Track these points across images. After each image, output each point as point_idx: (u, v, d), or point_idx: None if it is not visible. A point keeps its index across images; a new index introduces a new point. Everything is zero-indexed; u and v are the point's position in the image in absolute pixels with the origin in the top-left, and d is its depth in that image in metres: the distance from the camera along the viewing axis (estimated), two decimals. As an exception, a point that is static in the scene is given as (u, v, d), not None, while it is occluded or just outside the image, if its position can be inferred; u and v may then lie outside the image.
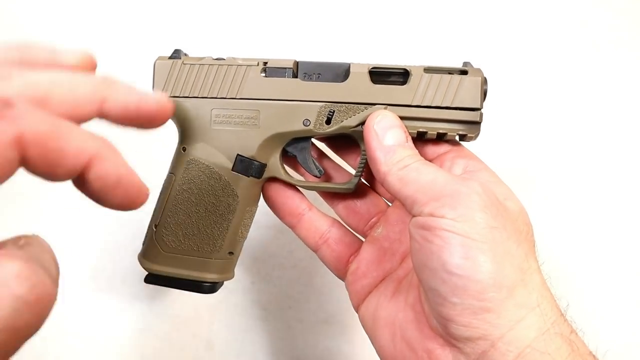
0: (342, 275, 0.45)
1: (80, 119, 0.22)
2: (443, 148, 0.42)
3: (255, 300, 0.61)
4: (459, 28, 0.65)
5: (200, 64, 0.42)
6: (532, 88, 0.64)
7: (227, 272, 0.46)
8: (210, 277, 0.44)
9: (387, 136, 0.38)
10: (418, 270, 0.34)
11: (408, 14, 0.65)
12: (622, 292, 0.61)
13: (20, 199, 0.59)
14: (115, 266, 0.59)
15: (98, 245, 0.60)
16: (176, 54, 0.43)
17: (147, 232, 0.45)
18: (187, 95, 0.42)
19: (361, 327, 0.42)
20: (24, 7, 0.64)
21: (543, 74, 0.64)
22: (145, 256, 0.45)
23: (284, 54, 0.44)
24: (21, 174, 0.20)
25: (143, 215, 0.59)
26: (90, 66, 0.26)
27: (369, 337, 0.41)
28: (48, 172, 0.21)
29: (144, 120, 0.24)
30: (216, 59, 0.43)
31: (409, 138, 0.39)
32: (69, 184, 0.22)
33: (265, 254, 0.61)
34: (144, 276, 0.45)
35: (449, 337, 0.33)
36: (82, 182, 0.22)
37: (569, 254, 0.61)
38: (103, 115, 0.23)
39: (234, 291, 0.61)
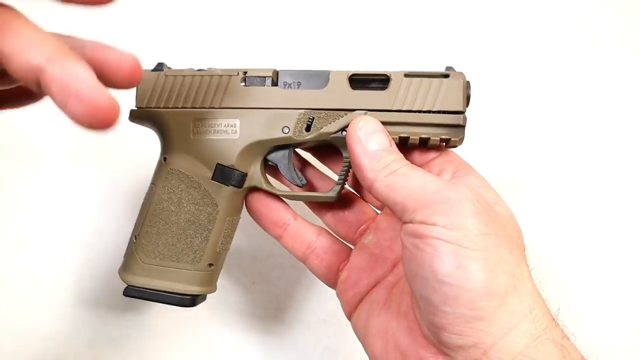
0: (332, 285, 0.45)
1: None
2: (431, 155, 0.41)
3: (255, 300, 0.61)
4: (462, 29, 0.65)
5: (182, 76, 0.43)
6: (532, 89, 0.64)
7: (209, 285, 0.44)
8: (191, 289, 0.43)
9: (370, 141, 0.37)
10: (410, 279, 0.34)
11: (393, 21, 0.65)
12: (613, 294, 0.60)
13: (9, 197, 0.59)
14: (115, 265, 0.59)
15: (98, 242, 0.60)
16: (159, 67, 0.44)
17: (128, 244, 0.45)
18: (169, 106, 0.43)
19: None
20: (23, 8, 0.64)
21: (543, 75, 0.64)
22: (124, 268, 0.44)
23: (266, 63, 0.44)
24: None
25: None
26: (135, 77, 0.25)
27: (362, 345, 0.40)
28: None
29: (87, 115, 0.21)
30: (197, 70, 0.43)
31: (393, 142, 0.38)
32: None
33: (265, 254, 0.61)
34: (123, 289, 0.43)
35: (441, 346, 0.32)
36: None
37: (559, 258, 0.61)
38: (40, 84, 0.21)
39: (234, 291, 0.61)
